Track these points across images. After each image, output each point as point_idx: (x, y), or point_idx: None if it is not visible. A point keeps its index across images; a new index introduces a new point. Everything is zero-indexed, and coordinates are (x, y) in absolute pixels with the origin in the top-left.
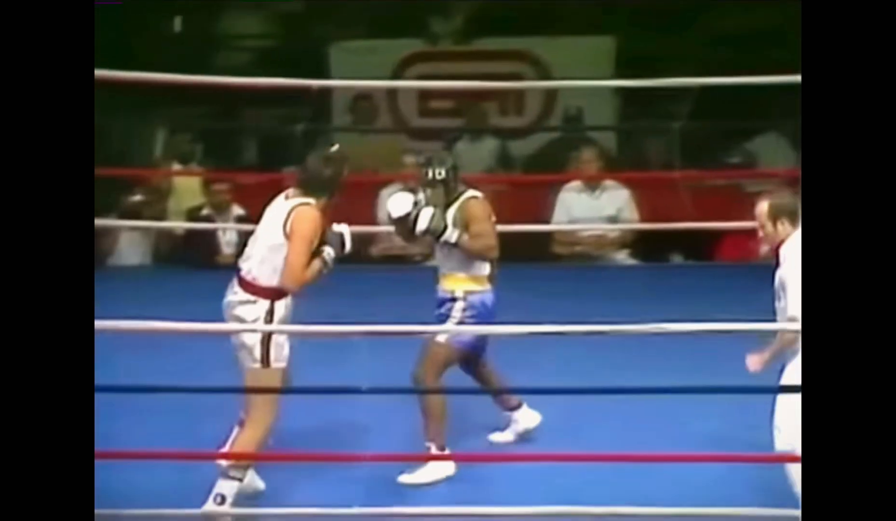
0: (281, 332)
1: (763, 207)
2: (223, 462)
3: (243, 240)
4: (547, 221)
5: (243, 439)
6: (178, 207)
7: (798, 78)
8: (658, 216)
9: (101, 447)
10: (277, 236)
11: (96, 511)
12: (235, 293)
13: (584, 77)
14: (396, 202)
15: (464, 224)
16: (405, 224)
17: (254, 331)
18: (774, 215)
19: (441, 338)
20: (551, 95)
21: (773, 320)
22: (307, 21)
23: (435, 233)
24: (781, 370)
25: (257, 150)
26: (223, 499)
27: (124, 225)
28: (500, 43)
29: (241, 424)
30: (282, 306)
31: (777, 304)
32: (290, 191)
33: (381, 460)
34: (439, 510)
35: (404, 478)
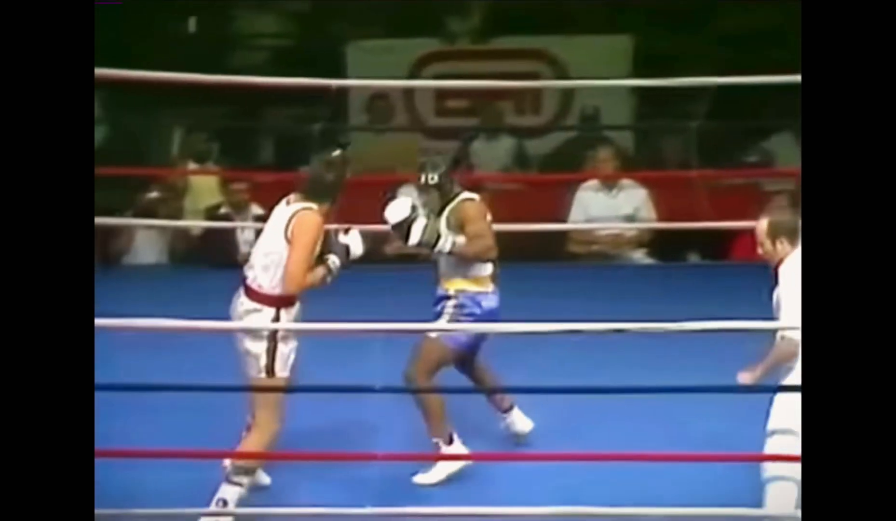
0: (293, 329)
1: (763, 224)
2: (227, 467)
3: None
4: (563, 221)
5: (249, 444)
6: (195, 207)
7: None
8: (675, 215)
9: (111, 446)
10: (279, 242)
11: (104, 511)
12: (242, 303)
13: (601, 76)
14: (393, 209)
15: (459, 226)
16: (402, 231)
17: (268, 329)
18: (773, 234)
19: (433, 335)
20: (568, 94)
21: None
22: (324, 20)
23: (428, 245)
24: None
25: (274, 149)
26: (225, 504)
27: (141, 224)
28: (517, 42)
29: (249, 429)
30: (289, 315)
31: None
32: (292, 196)
33: (391, 459)
34: (441, 510)
35: (419, 478)
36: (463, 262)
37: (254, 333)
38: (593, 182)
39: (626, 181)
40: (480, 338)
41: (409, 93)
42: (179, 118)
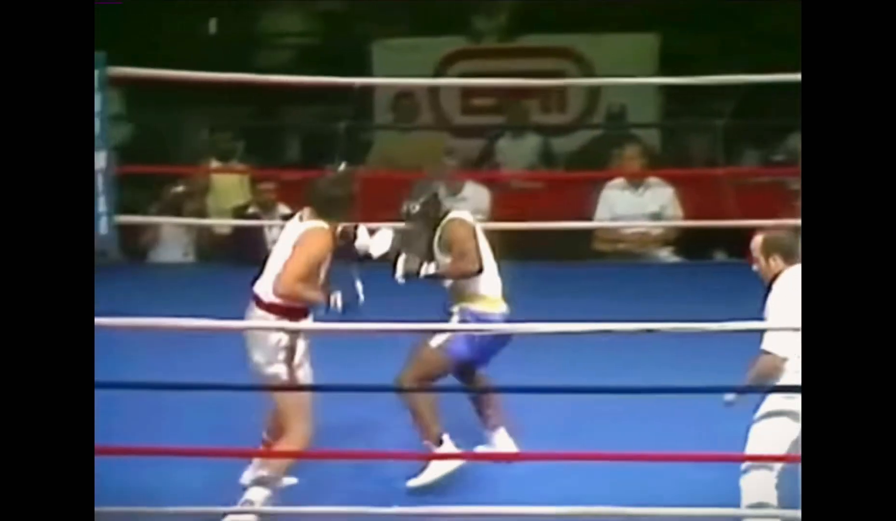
0: (303, 330)
1: (758, 240)
2: (260, 471)
3: None
4: (590, 219)
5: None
6: (219, 206)
7: None
8: (701, 214)
9: (126, 444)
10: (288, 255)
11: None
12: (254, 316)
13: (628, 74)
14: (376, 243)
15: (448, 246)
16: (390, 264)
17: (283, 330)
18: (768, 251)
19: (433, 343)
20: (594, 92)
21: None
22: (349, 19)
23: (411, 276)
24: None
25: (300, 148)
26: (252, 505)
27: (169, 222)
28: (543, 40)
29: (266, 444)
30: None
31: None
32: (305, 212)
33: (390, 459)
34: (440, 509)
35: (412, 482)
36: (463, 282)
37: (269, 356)
38: (619, 180)
39: (652, 179)
40: (483, 353)
41: (434, 91)
42: (204, 117)
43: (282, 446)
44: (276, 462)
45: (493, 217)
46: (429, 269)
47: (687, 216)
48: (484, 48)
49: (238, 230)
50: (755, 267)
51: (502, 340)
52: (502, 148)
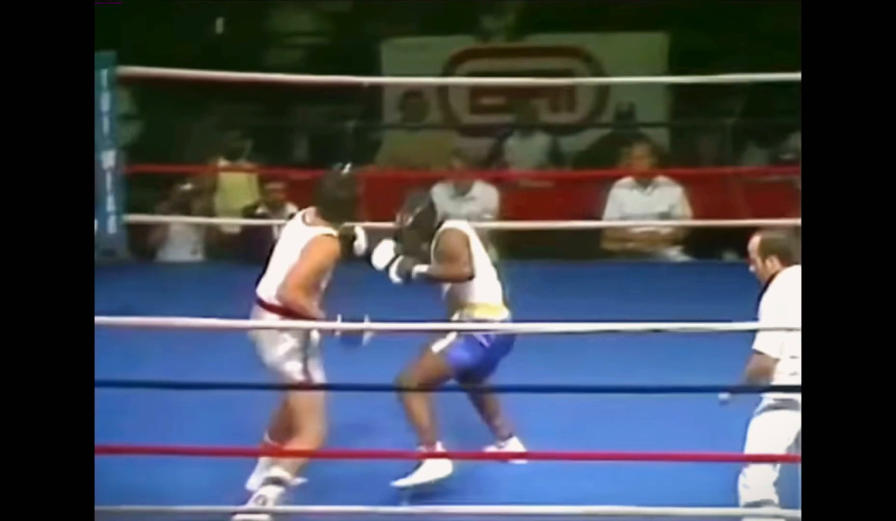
0: (311, 328)
1: (755, 242)
2: (271, 471)
3: None
4: (598, 218)
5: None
6: (227, 205)
7: None
8: (711, 213)
9: (135, 443)
10: (295, 260)
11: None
12: (260, 319)
13: (637, 73)
14: (378, 256)
15: (442, 256)
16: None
17: (294, 328)
18: (764, 252)
19: (435, 348)
20: (603, 91)
21: None
22: (358, 18)
23: (403, 277)
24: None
25: (308, 147)
26: (265, 502)
27: (177, 221)
28: (552, 39)
29: (266, 446)
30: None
31: None
32: (309, 214)
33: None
34: (439, 509)
35: (401, 482)
36: (461, 287)
37: (281, 355)
38: (628, 179)
39: (661, 178)
40: (485, 361)
41: (443, 90)
42: (213, 116)
43: (296, 445)
44: (290, 462)
45: (502, 216)
46: (421, 268)
47: (696, 216)
48: (493, 47)
49: (247, 229)
50: (752, 268)
51: (504, 348)
52: (511, 147)
